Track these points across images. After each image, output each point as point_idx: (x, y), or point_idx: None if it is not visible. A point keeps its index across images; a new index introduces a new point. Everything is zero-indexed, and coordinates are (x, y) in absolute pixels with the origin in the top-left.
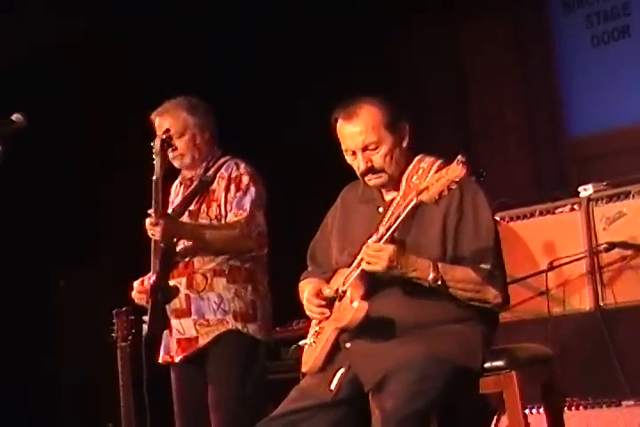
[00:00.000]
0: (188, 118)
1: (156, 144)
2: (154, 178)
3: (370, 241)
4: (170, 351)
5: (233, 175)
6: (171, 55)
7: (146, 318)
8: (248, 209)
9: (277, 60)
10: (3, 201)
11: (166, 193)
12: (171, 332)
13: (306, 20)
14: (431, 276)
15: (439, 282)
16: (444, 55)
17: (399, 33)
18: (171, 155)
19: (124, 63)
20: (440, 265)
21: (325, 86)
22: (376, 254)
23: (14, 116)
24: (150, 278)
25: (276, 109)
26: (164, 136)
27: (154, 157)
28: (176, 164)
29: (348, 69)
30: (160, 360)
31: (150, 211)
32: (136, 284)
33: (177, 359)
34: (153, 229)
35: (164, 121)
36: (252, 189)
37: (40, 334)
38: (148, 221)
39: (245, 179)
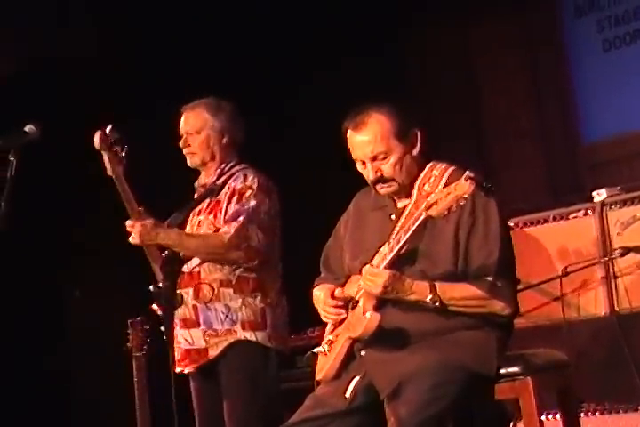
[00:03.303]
0: (207, 118)
1: (95, 140)
2: (110, 175)
3: (373, 263)
4: (178, 362)
5: (238, 187)
6: (181, 65)
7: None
8: (241, 221)
9: (282, 62)
10: (18, 209)
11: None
12: (174, 342)
13: (316, 20)
14: (429, 298)
15: (437, 303)
16: (456, 58)
17: (412, 35)
18: (185, 150)
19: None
20: (438, 285)
21: (337, 87)
22: (372, 279)
23: (27, 128)
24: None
25: (283, 111)
26: (102, 132)
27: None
28: (188, 162)
29: (360, 70)
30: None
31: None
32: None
33: (186, 370)
34: (131, 232)
35: (187, 116)
36: (252, 203)
37: (53, 341)
38: (127, 223)
39: (248, 192)
